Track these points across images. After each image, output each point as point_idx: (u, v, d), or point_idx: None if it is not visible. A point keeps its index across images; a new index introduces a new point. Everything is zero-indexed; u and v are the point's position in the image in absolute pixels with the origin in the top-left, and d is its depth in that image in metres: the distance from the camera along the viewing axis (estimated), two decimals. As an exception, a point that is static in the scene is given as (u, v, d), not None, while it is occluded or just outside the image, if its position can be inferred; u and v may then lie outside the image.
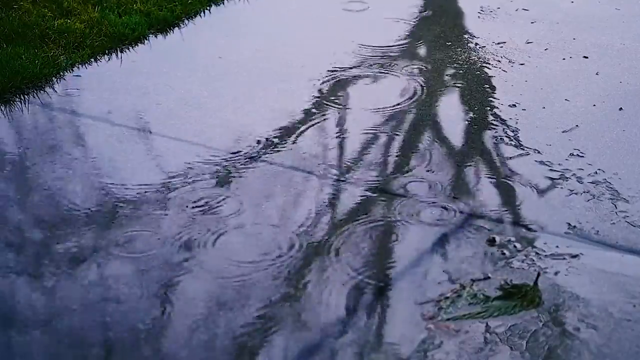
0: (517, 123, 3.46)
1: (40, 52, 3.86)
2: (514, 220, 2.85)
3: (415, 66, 3.99)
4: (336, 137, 3.36)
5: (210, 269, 2.61)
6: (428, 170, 3.13)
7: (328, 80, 3.81)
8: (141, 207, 2.88)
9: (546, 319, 2.41)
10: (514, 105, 3.60)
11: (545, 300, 2.48)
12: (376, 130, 3.40)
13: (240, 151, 3.23)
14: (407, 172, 3.12)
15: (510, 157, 3.22)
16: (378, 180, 3.06)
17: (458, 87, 3.78)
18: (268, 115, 3.50)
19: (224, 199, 2.95)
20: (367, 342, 2.33)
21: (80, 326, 2.38)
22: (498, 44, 4.20)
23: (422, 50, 4.16)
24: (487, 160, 3.21)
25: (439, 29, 4.38)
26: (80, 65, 3.88)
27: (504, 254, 2.68)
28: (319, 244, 2.72)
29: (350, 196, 2.97)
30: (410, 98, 3.67)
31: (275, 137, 3.33)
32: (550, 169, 3.14)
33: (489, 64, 3.98)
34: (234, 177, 3.08)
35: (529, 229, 2.80)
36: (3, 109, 3.50)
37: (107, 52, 4.03)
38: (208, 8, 4.60)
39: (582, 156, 3.22)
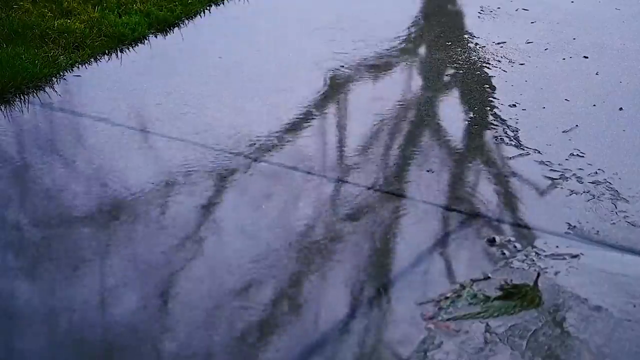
0: (517, 123, 3.46)
1: (40, 52, 3.86)
2: (514, 220, 2.85)
3: (416, 66, 4.00)
4: (336, 137, 3.36)
5: (209, 269, 2.61)
6: (428, 170, 3.13)
7: (328, 80, 3.82)
8: (141, 207, 2.88)
9: (546, 319, 2.41)
10: (514, 105, 3.60)
11: (545, 300, 2.48)
12: (376, 129, 3.40)
13: (240, 151, 3.23)
14: (407, 172, 3.12)
15: (510, 157, 3.22)
16: (378, 180, 3.06)
17: (458, 87, 3.79)
18: (268, 115, 3.50)
19: (224, 199, 2.95)
20: (367, 342, 2.33)
21: (80, 325, 2.38)
22: (498, 44, 4.20)
23: (422, 50, 4.17)
24: (487, 160, 3.21)
25: (439, 29, 4.38)
26: (80, 65, 3.88)
27: (504, 254, 2.68)
28: (318, 244, 2.72)
29: (350, 196, 2.97)
30: (411, 98, 3.68)
31: (275, 137, 3.33)
32: (550, 169, 3.14)
33: (489, 64, 3.98)
34: (234, 177, 3.08)
35: (529, 229, 2.80)
36: (3, 109, 3.50)
37: (107, 52, 4.03)
38: (208, 8, 4.60)
39: (582, 156, 3.22)
